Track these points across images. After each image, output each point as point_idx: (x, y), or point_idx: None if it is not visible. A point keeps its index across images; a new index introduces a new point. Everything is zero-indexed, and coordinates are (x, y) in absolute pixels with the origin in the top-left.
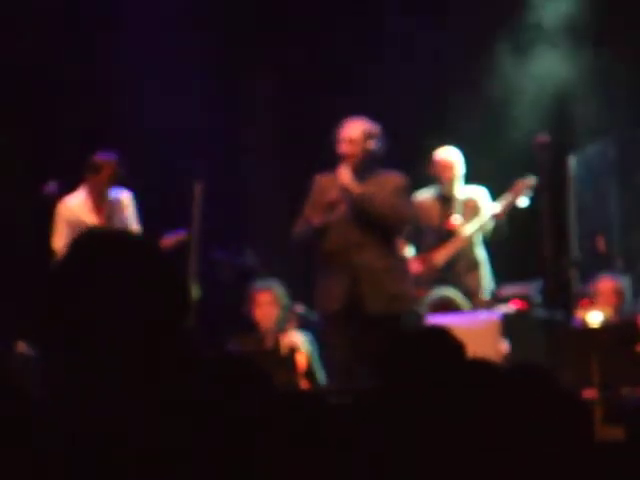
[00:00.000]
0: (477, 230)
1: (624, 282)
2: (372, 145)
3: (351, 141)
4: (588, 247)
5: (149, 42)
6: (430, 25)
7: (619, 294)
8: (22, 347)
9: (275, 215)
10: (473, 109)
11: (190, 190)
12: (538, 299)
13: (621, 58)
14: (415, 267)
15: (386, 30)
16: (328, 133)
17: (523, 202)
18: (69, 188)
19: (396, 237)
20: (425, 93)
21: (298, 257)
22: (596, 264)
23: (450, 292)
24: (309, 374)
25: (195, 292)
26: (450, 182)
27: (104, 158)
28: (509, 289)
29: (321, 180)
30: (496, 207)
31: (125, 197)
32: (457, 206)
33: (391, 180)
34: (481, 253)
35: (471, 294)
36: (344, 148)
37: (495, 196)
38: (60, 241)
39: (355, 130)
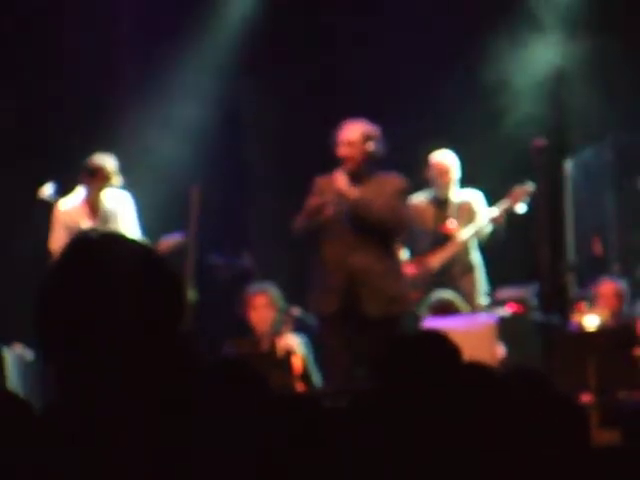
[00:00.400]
0: (474, 234)
1: (624, 286)
2: (371, 147)
3: (350, 143)
4: (584, 250)
5: (148, 45)
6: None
7: (620, 297)
8: (19, 349)
9: (272, 218)
10: (468, 110)
11: (187, 193)
12: (534, 302)
13: (619, 53)
14: (409, 270)
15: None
16: (326, 134)
17: (521, 209)
18: (67, 190)
19: (394, 240)
20: (420, 93)
21: (294, 260)
22: (593, 267)
23: (449, 295)
24: (305, 377)
25: (191, 295)
26: (446, 186)
27: (100, 161)
28: (505, 292)
29: (321, 182)
30: (494, 211)
31: (124, 199)
32: (452, 210)
33: (390, 182)
34: (476, 257)
35: (467, 297)
36: (343, 150)
37: (491, 199)
38: (57, 243)
39: (354, 132)
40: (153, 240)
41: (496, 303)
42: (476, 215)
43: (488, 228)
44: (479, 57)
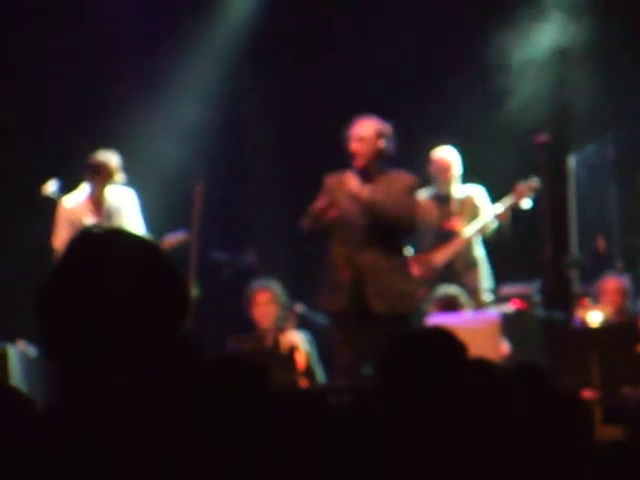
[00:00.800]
0: (478, 231)
1: (628, 282)
2: (383, 144)
3: (362, 139)
4: (588, 246)
5: (150, 44)
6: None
7: (623, 293)
8: (22, 346)
9: (275, 215)
10: (470, 106)
11: (190, 191)
12: (538, 299)
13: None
14: (414, 267)
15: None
16: (328, 132)
17: (526, 204)
18: (71, 187)
19: (404, 238)
20: (420, 85)
21: (297, 257)
22: (596, 263)
23: (454, 290)
24: (308, 373)
25: (194, 292)
26: (448, 182)
27: (104, 158)
28: (509, 289)
29: (331, 181)
30: (499, 207)
31: (128, 196)
32: (455, 206)
33: (401, 180)
34: (480, 253)
35: (471, 293)
36: (355, 146)
37: (493, 195)
38: (60, 240)
39: (367, 128)
40: (157, 237)
41: (500, 299)
42: (479, 210)
43: (493, 224)
44: (482, 49)
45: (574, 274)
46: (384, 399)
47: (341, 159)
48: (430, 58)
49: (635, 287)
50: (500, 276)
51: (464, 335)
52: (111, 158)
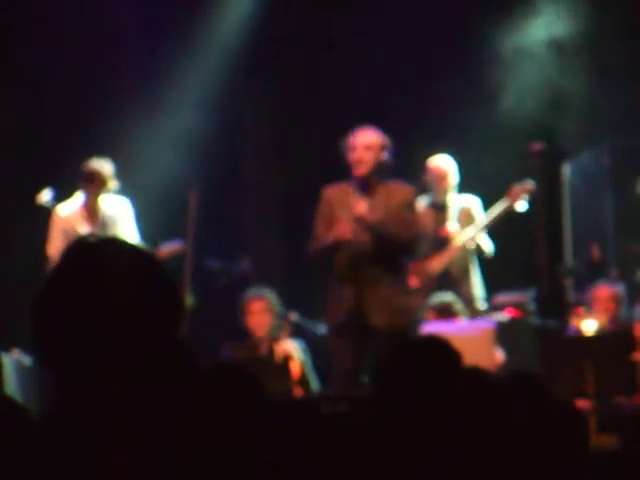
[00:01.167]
0: (471, 239)
1: (620, 290)
2: (385, 156)
3: (368, 148)
4: (582, 255)
5: (146, 51)
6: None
7: (616, 301)
8: (17, 354)
9: (270, 223)
10: (467, 111)
11: (185, 199)
12: (533, 307)
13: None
14: (414, 281)
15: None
16: (325, 140)
17: (521, 206)
18: (65, 196)
19: (406, 253)
20: (415, 89)
21: (292, 265)
22: (591, 272)
23: (449, 297)
24: (303, 382)
25: (189, 300)
26: (444, 191)
27: (97, 166)
28: (504, 297)
29: (330, 192)
30: (486, 218)
31: (122, 204)
32: (451, 214)
33: (400, 192)
34: (474, 261)
35: (465, 301)
36: (361, 154)
37: (489, 202)
38: (55, 249)
39: (373, 138)
40: (152, 245)
41: (494, 308)
42: (475, 220)
43: (481, 236)
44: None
45: (569, 282)
46: (380, 408)
47: (338, 166)
48: (427, 63)
49: (630, 295)
50: (495, 285)
51: (459, 343)
52: (104, 166)
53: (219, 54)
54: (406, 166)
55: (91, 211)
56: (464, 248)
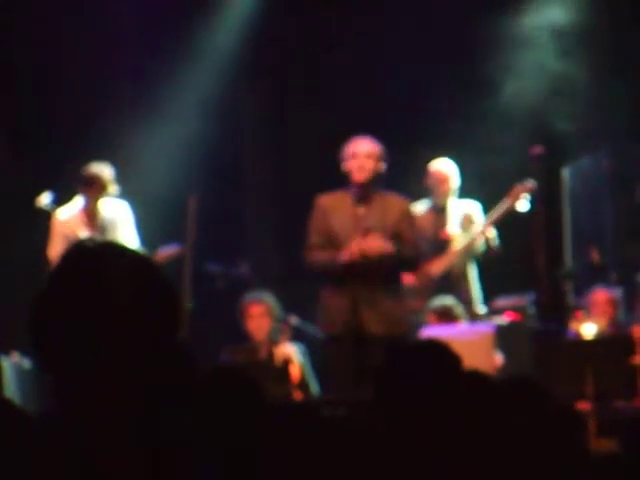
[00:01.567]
0: (469, 243)
1: (618, 293)
2: (382, 166)
3: (369, 156)
4: (582, 258)
5: (146, 55)
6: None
7: (613, 305)
8: (16, 357)
9: (269, 228)
10: (467, 117)
11: (184, 203)
12: (532, 311)
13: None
14: (410, 279)
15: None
16: (324, 146)
17: (523, 206)
18: (65, 199)
19: (409, 271)
20: (413, 92)
21: (291, 269)
22: (590, 276)
23: (449, 300)
24: (303, 385)
25: (188, 304)
26: (445, 194)
27: (96, 170)
28: (503, 301)
29: (324, 202)
30: (485, 223)
31: (122, 208)
32: (452, 218)
33: (396, 204)
34: (472, 264)
35: (465, 304)
36: (363, 162)
37: (488, 204)
38: (54, 252)
39: (374, 147)
40: (151, 250)
41: (494, 312)
42: (475, 225)
43: (481, 240)
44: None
45: (568, 286)
46: (380, 411)
47: (338, 172)
48: (427, 63)
49: (630, 299)
50: (494, 288)
51: (458, 347)
52: (104, 170)
53: (219, 56)
54: (406, 168)
55: (90, 215)
56: (463, 251)
